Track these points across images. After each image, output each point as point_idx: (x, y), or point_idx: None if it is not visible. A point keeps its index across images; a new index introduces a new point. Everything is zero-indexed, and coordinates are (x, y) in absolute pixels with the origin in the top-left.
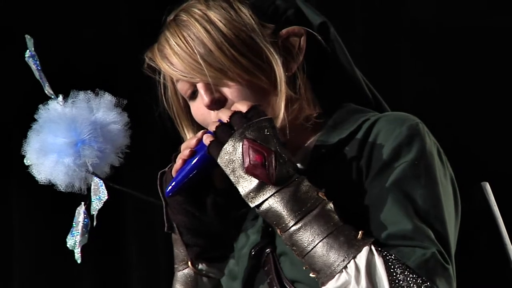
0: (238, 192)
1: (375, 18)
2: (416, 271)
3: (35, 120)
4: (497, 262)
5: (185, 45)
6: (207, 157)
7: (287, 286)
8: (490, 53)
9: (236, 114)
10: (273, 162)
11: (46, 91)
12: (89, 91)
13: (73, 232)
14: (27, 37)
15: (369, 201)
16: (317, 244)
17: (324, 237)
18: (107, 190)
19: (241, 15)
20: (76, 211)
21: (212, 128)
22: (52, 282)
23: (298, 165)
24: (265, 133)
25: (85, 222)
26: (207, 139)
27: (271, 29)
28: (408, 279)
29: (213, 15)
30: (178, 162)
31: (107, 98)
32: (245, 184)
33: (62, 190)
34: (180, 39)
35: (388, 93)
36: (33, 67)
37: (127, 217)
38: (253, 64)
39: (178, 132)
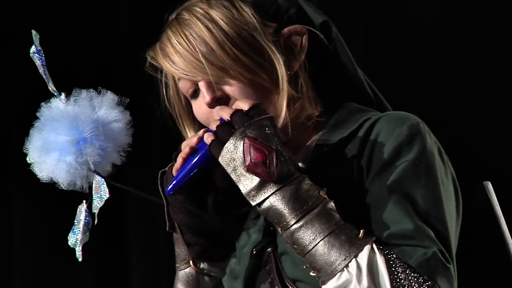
0: (239, 190)
1: (375, 18)
2: (417, 270)
3: (35, 119)
4: (499, 261)
5: (187, 44)
6: (208, 156)
7: (288, 285)
8: (490, 53)
9: (237, 112)
10: (274, 160)
11: (49, 88)
12: (91, 90)
13: (74, 230)
14: (34, 32)
15: (369, 200)
16: (318, 243)
17: (325, 236)
18: (108, 188)
19: (243, 14)
20: (78, 209)
21: (213, 127)
22: (52, 282)
23: (300, 164)
24: (266, 131)
25: (86, 221)
26: (208, 138)
27: (273, 28)
28: (410, 278)
29: (215, 14)
30: (179, 160)
31: (109, 97)
32: (246, 183)
33: (64, 188)
34: (182, 37)
35: (388, 93)
36: (38, 62)
37: (128, 216)
38: (255, 63)
39: (180, 131)
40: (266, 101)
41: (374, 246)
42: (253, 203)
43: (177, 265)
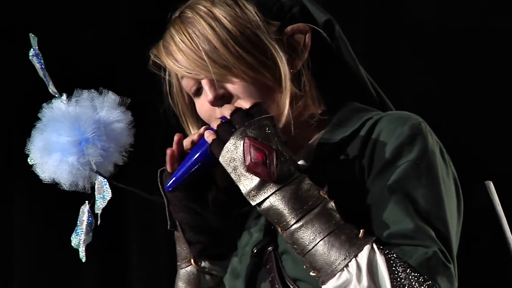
0: (239, 190)
1: (375, 18)
2: (417, 270)
3: (35, 120)
4: (500, 261)
5: (190, 42)
6: (208, 154)
7: (289, 284)
8: (490, 53)
9: (237, 111)
10: (274, 160)
11: (50, 90)
12: (92, 90)
13: (77, 231)
14: (31, 35)
15: (370, 200)
16: (318, 243)
17: (325, 236)
18: (111, 189)
19: (246, 12)
20: (80, 209)
21: (214, 125)
22: (52, 282)
23: (302, 162)
24: (266, 131)
25: (89, 221)
26: (209, 136)
27: (276, 26)
28: (410, 277)
29: (218, 12)
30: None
31: (111, 97)
32: (246, 182)
33: (66, 189)
34: (185, 35)
35: (388, 93)
36: (37, 65)
37: (129, 216)
38: (257, 61)
39: (183, 129)
40: (269, 99)
41: (374, 245)
42: (253, 203)
43: (178, 263)
